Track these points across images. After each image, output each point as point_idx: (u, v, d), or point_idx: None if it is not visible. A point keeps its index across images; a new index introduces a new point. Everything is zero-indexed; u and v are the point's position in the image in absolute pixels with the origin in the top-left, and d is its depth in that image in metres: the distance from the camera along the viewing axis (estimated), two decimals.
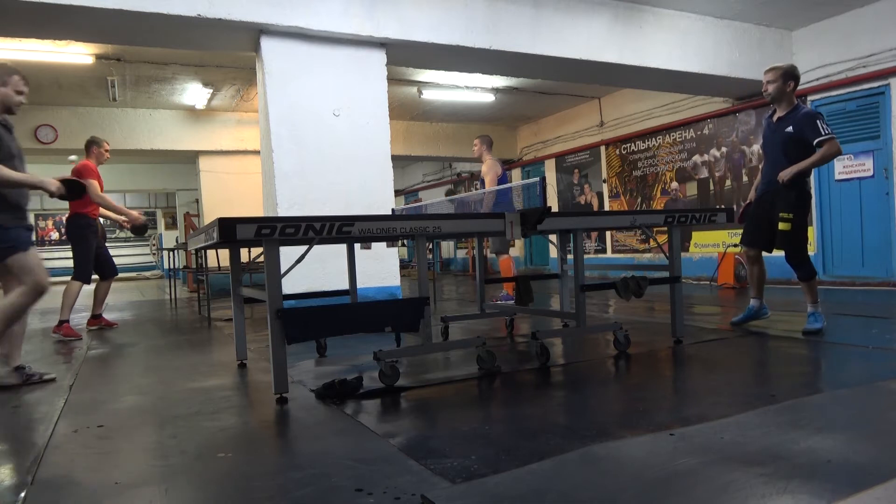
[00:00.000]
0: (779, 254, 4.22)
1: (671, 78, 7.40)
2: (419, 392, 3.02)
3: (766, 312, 4.55)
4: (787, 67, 4.11)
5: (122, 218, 6.04)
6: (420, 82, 9.56)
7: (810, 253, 7.76)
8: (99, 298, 6.20)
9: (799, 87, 7.71)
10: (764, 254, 4.43)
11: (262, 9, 5.07)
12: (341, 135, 5.54)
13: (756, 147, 8.43)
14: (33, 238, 3.59)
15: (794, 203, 3.98)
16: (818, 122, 3.90)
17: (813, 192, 7.80)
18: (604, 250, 11.56)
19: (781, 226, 3.96)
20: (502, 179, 7.18)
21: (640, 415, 2.48)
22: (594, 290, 4.07)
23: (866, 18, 7.17)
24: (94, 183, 5.64)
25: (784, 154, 4.04)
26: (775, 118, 4.16)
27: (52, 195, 3.46)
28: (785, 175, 3.95)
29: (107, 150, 6.08)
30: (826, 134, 3.87)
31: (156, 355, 4.50)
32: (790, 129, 3.99)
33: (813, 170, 4.05)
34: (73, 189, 3.55)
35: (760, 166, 4.48)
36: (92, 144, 5.98)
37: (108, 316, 6.62)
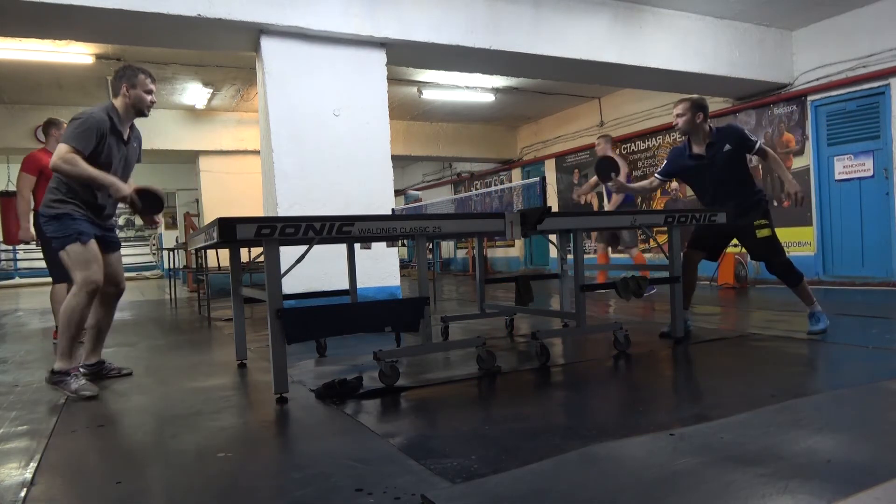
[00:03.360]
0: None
1: (671, 78, 7.40)
2: (419, 392, 3.02)
3: (689, 325, 4.33)
4: (694, 99, 4.10)
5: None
6: (420, 82, 9.56)
7: (810, 253, 7.85)
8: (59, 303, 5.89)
9: (799, 88, 7.86)
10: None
11: (262, 9, 5.07)
12: (341, 135, 5.54)
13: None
14: (105, 236, 3.46)
15: (761, 212, 4.01)
16: (745, 132, 4.08)
17: (813, 191, 7.81)
18: None
19: (761, 233, 3.97)
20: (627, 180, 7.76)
21: (640, 415, 2.48)
22: (594, 290, 4.07)
23: (866, 18, 7.17)
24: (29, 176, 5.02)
25: (730, 172, 4.03)
26: (698, 150, 4.10)
27: (123, 201, 3.27)
28: (796, 188, 4.00)
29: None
30: (757, 139, 4.05)
31: (156, 355, 4.50)
32: (728, 146, 4.00)
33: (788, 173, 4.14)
34: (149, 200, 3.31)
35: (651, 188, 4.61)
36: (51, 126, 5.08)
37: None
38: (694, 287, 4.35)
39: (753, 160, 4.02)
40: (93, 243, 3.27)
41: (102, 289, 3.32)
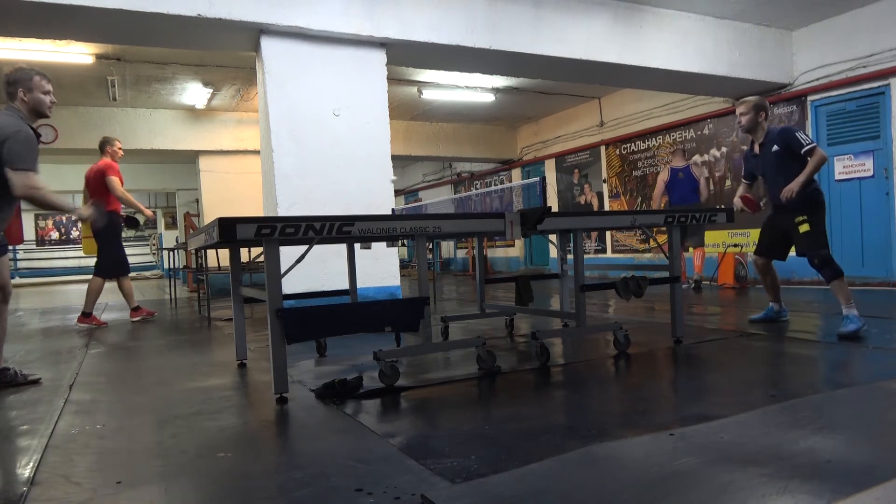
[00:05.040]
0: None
1: (671, 78, 7.40)
2: (419, 392, 3.02)
3: (785, 315, 4.68)
4: (756, 101, 4.36)
5: (150, 213, 6.41)
6: (420, 82, 9.55)
7: None
8: (127, 293, 6.52)
9: (799, 88, 7.85)
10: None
11: (262, 8, 5.07)
12: (341, 135, 5.54)
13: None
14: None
15: (804, 207, 4.11)
16: (797, 133, 4.15)
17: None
18: (604, 250, 11.56)
19: (801, 228, 4.10)
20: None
21: (640, 415, 2.48)
22: (594, 290, 4.06)
23: (866, 18, 7.17)
24: (116, 179, 6.13)
25: (780, 170, 4.21)
26: (756, 148, 4.43)
27: (83, 220, 3.39)
28: (788, 193, 4.08)
29: (120, 149, 6.49)
30: (808, 143, 4.09)
31: (156, 355, 4.50)
32: (776, 147, 4.23)
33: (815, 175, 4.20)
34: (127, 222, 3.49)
35: (755, 192, 4.72)
36: (105, 144, 6.37)
37: (110, 315, 6.68)
38: (776, 283, 4.61)
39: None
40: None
41: None
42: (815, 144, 4.12)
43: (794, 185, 4.06)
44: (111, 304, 8.72)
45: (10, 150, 3.01)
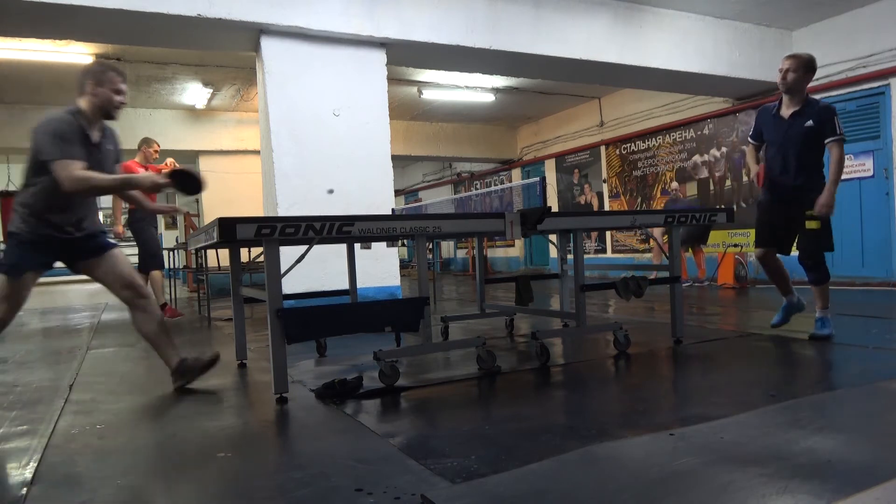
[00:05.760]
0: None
1: (671, 78, 7.40)
2: (419, 392, 3.02)
3: (803, 304, 4.18)
4: (808, 58, 3.84)
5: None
6: (420, 82, 9.55)
7: None
8: (158, 289, 6.50)
9: None
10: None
11: (262, 9, 5.07)
12: (341, 135, 5.54)
13: None
14: (84, 246, 3.08)
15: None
16: (836, 118, 3.72)
17: None
18: (604, 250, 11.56)
19: (810, 224, 3.75)
20: None
21: (640, 415, 2.48)
22: (594, 290, 4.06)
23: (866, 18, 7.17)
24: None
25: (805, 149, 3.79)
26: (784, 112, 3.88)
27: (156, 191, 3.07)
28: (825, 209, 3.69)
29: (156, 151, 6.55)
30: (839, 133, 3.70)
31: (156, 355, 4.49)
32: (810, 122, 3.75)
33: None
34: (187, 181, 3.02)
35: (760, 156, 4.15)
36: (142, 143, 6.46)
37: (109, 315, 6.67)
38: (782, 274, 4.09)
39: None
40: (24, 279, 2.93)
41: (119, 295, 3.16)
42: (842, 138, 3.71)
43: (828, 199, 3.68)
44: (111, 304, 8.71)
45: (35, 146, 2.82)
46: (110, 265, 3.12)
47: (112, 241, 3.24)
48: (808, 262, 3.81)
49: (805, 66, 3.80)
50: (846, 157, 7.51)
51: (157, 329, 3.20)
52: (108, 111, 2.98)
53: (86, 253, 3.09)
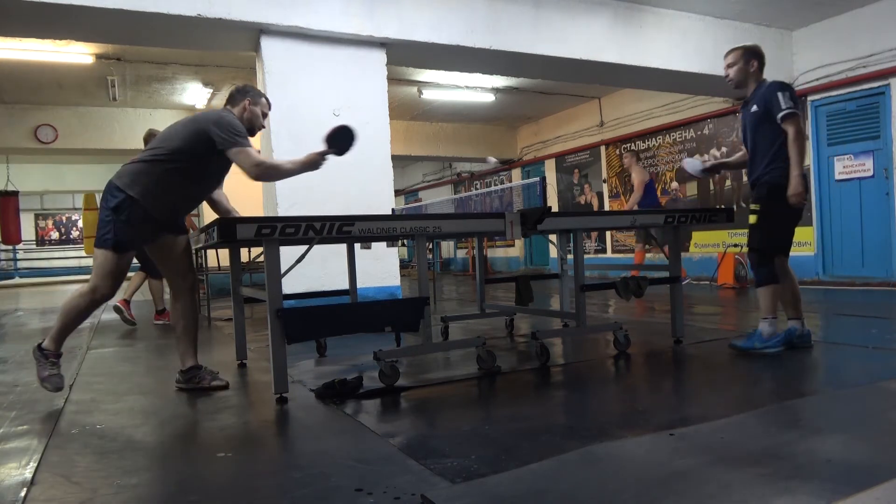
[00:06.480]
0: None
1: (671, 78, 7.40)
2: (419, 392, 3.02)
3: (807, 339, 3.61)
4: (745, 46, 3.59)
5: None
6: (420, 82, 9.55)
7: (810, 253, 7.84)
8: (157, 296, 6.48)
9: (799, 88, 7.85)
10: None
11: (262, 8, 5.06)
12: None
13: None
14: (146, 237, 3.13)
15: (764, 195, 3.46)
16: (779, 93, 3.34)
17: (813, 191, 7.79)
18: (604, 250, 11.56)
19: (750, 218, 3.50)
20: (650, 186, 8.41)
21: (640, 415, 2.48)
22: (594, 290, 4.06)
23: (866, 18, 7.17)
24: None
25: (758, 137, 3.48)
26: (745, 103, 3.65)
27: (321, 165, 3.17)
28: (797, 198, 3.33)
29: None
30: (787, 107, 3.31)
31: (156, 355, 4.50)
32: (755, 108, 3.47)
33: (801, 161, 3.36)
34: (342, 140, 3.17)
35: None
36: (148, 135, 6.15)
37: (110, 315, 6.69)
38: (792, 290, 3.61)
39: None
40: (128, 256, 3.06)
41: (171, 280, 3.25)
42: (795, 112, 3.31)
43: (794, 186, 3.30)
44: (111, 303, 8.71)
45: (216, 137, 2.95)
46: (175, 248, 3.24)
47: (184, 227, 3.36)
48: (752, 259, 3.56)
49: (745, 54, 3.55)
50: (846, 156, 7.50)
51: (189, 326, 3.27)
52: (253, 128, 3.23)
53: (167, 229, 3.19)
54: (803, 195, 3.35)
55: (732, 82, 3.63)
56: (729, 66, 3.60)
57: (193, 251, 3.86)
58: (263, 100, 3.28)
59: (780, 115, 3.32)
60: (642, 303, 6.34)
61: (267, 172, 3.16)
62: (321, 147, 3.13)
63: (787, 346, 3.53)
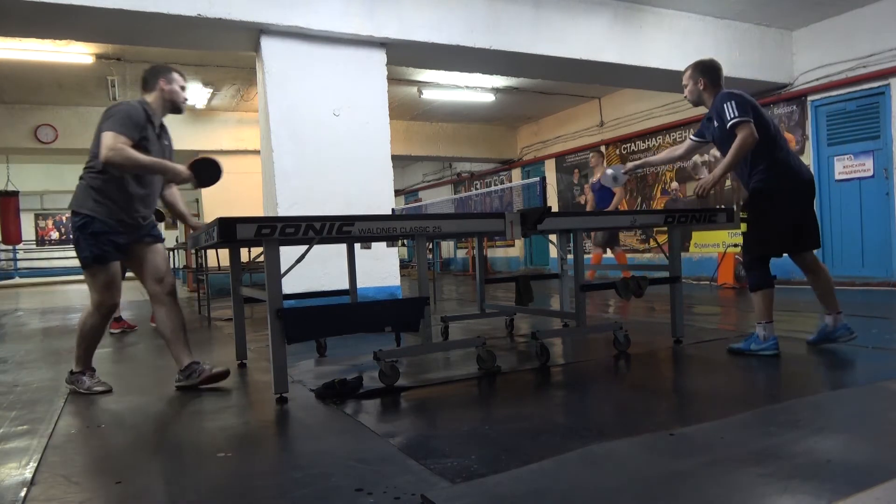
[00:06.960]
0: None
1: (671, 78, 7.37)
2: (419, 392, 3.02)
3: (845, 333, 3.57)
4: (696, 63, 3.57)
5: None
6: (420, 82, 9.55)
7: None
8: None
9: (799, 88, 7.85)
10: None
11: (262, 9, 5.06)
12: (341, 135, 5.53)
13: None
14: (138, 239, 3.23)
15: (749, 202, 3.49)
16: (725, 105, 3.30)
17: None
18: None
19: (741, 227, 3.56)
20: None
21: (640, 415, 2.48)
22: (594, 290, 4.06)
23: (866, 18, 7.17)
24: None
25: (726, 148, 3.41)
26: None
27: (181, 182, 3.21)
28: (699, 189, 3.43)
29: None
30: (732, 117, 3.26)
31: (156, 355, 4.49)
32: (715, 122, 3.46)
33: (766, 164, 3.36)
34: (205, 171, 3.19)
35: None
36: None
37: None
38: (824, 285, 3.56)
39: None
40: (115, 265, 3.15)
41: (148, 287, 3.27)
42: (744, 120, 3.24)
43: (705, 180, 3.39)
44: None
45: (99, 131, 2.99)
46: (151, 256, 3.27)
47: (160, 234, 3.39)
48: (745, 264, 3.56)
49: (692, 74, 3.55)
50: (846, 156, 7.48)
51: (177, 328, 3.26)
52: (177, 105, 3.27)
53: (139, 238, 3.23)
54: (705, 189, 3.40)
55: (690, 101, 3.66)
56: (683, 86, 3.63)
57: (194, 251, 3.87)
58: (174, 74, 3.25)
59: (729, 125, 3.30)
60: (642, 303, 6.34)
61: (118, 157, 2.95)
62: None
63: (825, 343, 3.60)
